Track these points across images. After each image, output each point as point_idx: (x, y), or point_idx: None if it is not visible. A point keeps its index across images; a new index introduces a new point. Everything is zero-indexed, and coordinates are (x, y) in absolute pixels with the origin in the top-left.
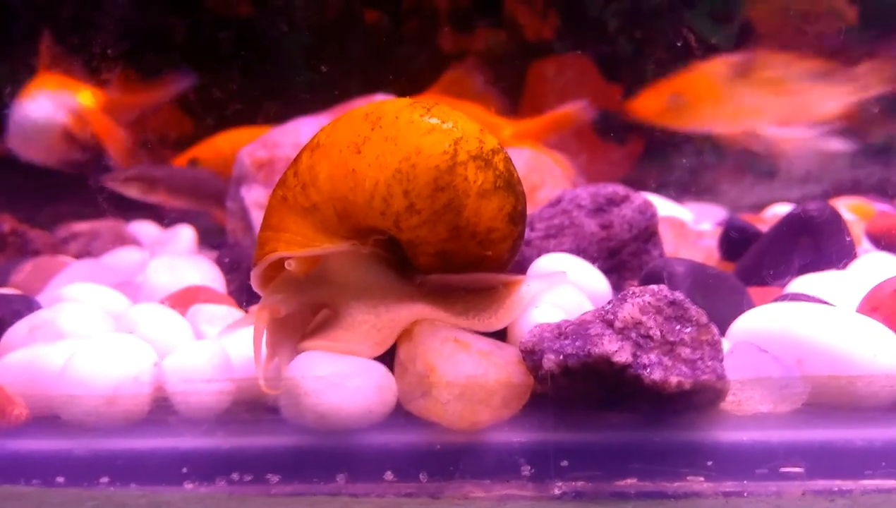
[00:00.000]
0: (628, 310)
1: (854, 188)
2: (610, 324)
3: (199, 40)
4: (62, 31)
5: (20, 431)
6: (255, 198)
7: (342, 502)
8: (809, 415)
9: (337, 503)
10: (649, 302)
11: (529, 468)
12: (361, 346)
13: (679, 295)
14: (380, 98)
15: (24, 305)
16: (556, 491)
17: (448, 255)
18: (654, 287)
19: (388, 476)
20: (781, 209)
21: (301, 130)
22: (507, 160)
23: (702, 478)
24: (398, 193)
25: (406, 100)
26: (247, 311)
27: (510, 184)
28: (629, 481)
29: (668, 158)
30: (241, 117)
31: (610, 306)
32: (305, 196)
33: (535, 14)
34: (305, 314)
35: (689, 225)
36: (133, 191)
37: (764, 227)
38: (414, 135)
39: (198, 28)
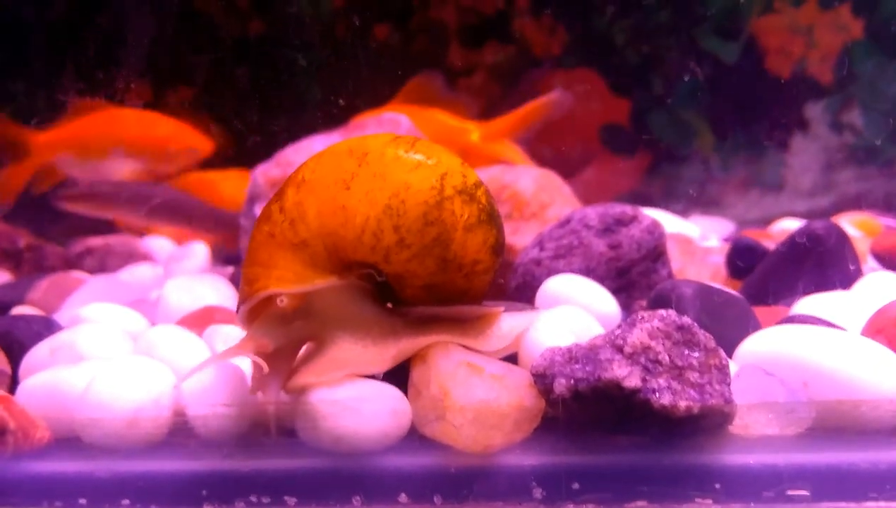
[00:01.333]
0: (637, 336)
1: (860, 201)
2: (619, 349)
3: (209, 55)
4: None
5: (43, 453)
6: None
7: None
8: (815, 439)
9: None
10: (658, 327)
11: (541, 490)
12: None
13: (687, 321)
14: (388, 116)
15: (44, 326)
16: None
17: (435, 288)
18: (662, 312)
19: (403, 498)
20: (788, 224)
21: (314, 148)
22: (488, 193)
23: (710, 501)
24: (388, 228)
25: (388, 136)
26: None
27: (492, 217)
28: (639, 503)
29: (676, 171)
30: (254, 133)
31: (619, 331)
32: (294, 232)
33: (543, 29)
34: (291, 349)
35: (696, 241)
36: (82, 208)
37: (771, 244)
38: (402, 171)
39: (207, 42)
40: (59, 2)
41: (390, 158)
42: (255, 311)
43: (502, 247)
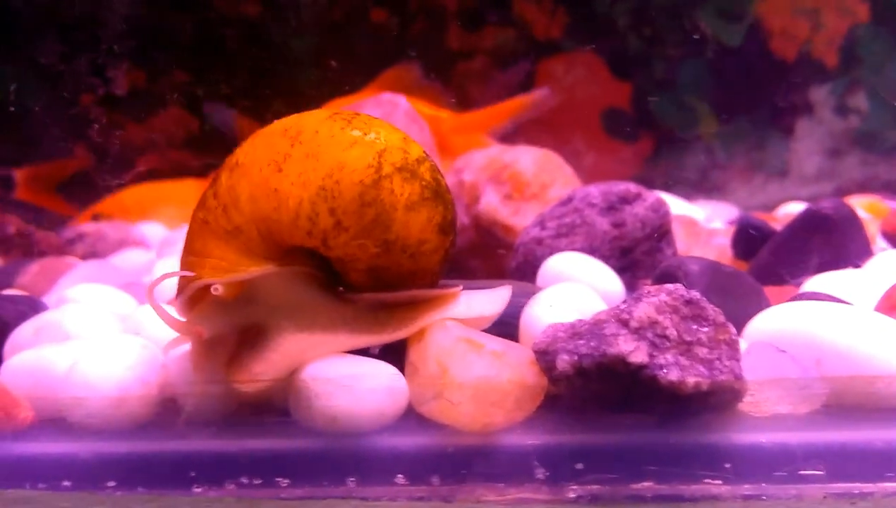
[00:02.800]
0: (644, 310)
1: (865, 187)
2: (625, 324)
3: (206, 39)
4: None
5: (26, 434)
6: None
7: (353, 505)
8: (829, 416)
9: (347, 506)
10: (665, 302)
11: (544, 471)
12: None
13: (695, 294)
14: (388, 97)
15: (30, 306)
16: (572, 495)
17: (380, 271)
18: (670, 286)
19: (400, 479)
20: (794, 207)
21: None
22: (434, 169)
23: (720, 481)
24: (324, 211)
25: (325, 112)
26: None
27: (438, 194)
28: (646, 484)
29: (679, 157)
30: (248, 115)
31: (625, 305)
32: (227, 218)
33: (544, 12)
34: (233, 336)
35: (701, 223)
36: None
37: (778, 226)
38: (336, 149)
39: (205, 26)
40: None
41: (324, 137)
42: (195, 300)
43: (451, 225)
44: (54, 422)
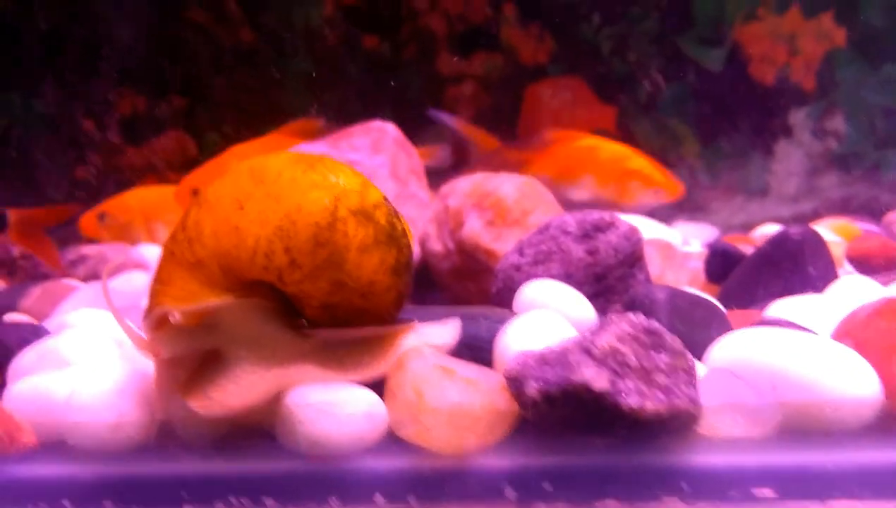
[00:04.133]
0: (606, 339)
1: (844, 206)
2: (588, 352)
3: (200, 65)
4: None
5: (27, 457)
6: None
7: None
8: (781, 440)
9: None
10: (626, 331)
11: (513, 491)
12: (245, 400)
13: (655, 324)
14: (378, 124)
15: (32, 332)
16: None
17: (332, 308)
18: (631, 315)
19: (379, 499)
20: (769, 229)
21: None
22: (391, 213)
23: (677, 499)
24: (279, 250)
25: (292, 155)
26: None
27: (392, 238)
28: (608, 502)
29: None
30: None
31: (589, 334)
32: (191, 251)
33: (531, 38)
34: (192, 360)
35: (676, 247)
36: None
37: (750, 249)
38: (296, 192)
39: (199, 53)
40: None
41: (286, 179)
42: (159, 324)
43: (406, 267)
44: (55, 446)
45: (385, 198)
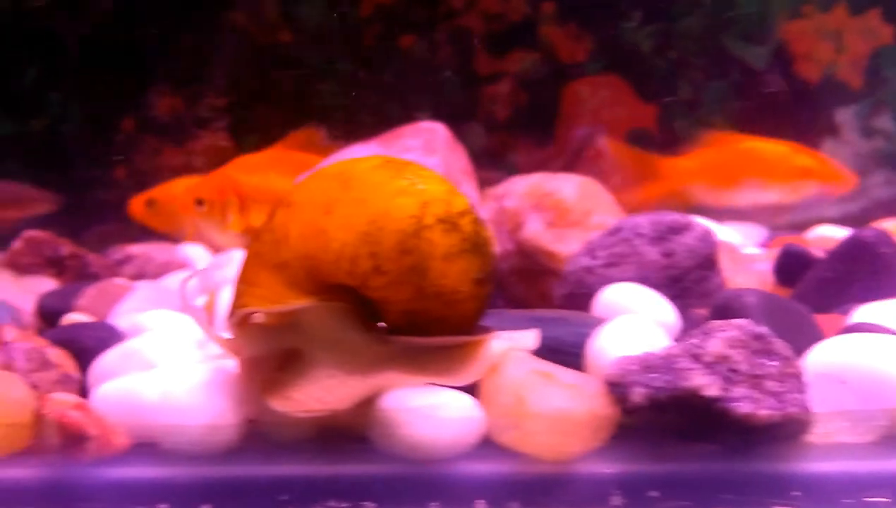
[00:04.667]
0: (715, 345)
1: (892, 206)
2: (698, 359)
3: (240, 66)
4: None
5: (122, 459)
6: None
7: None
8: (892, 447)
9: None
10: (735, 337)
11: (619, 498)
12: (326, 401)
13: (764, 330)
14: (428, 125)
15: (109, 333)
16: None
17: (414, 314)
18: (738, 321)
19: (481, 505)
20: (827, 230)
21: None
22: (476, 222)
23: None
24: (364, 255)
25: (378, 160)
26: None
27: (477, 247)
28: None
29: None
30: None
31: (695, 340)
32: (277, 253)
33: (569, 36)
34: (273, 360)
35: (739, 249)
36: None
37: (814, 250)
38: (382, 198)
39: (239, 54)
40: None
41: (374, 184)
42: (242, 324)
43: (488, 277)
44: (148, 448)
45: (471, 206)
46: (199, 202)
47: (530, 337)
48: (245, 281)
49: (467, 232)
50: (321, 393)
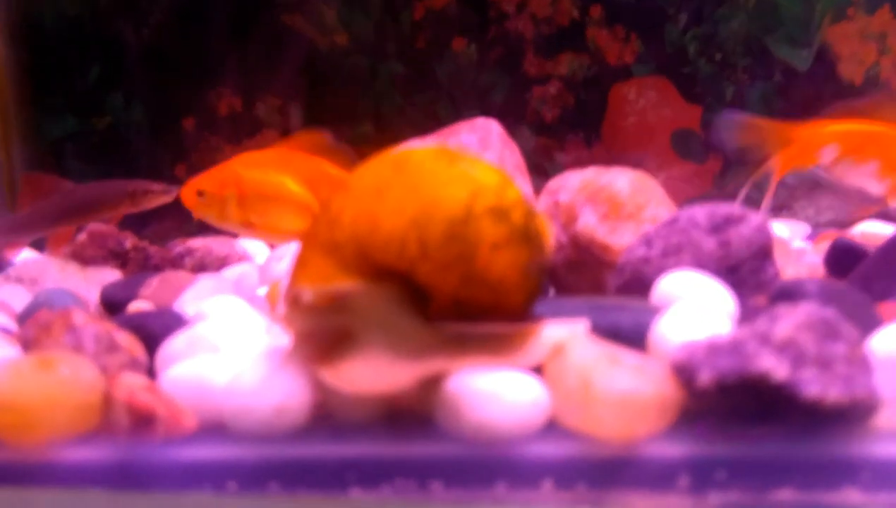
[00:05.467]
0: (783, 329)
1: None
2: (765, 342)
3: (298, 68)
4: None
5: (190, 441)
6: None
7: None
8: None
9: None
10: (804, 320)
11: (686, 479)
12: (373, 382)
13: (831, 313)
14: (482, 121)
15: (174, 320)
16: (715, 501)
17: (462, 302)
18: (805, 305)
19: (547, 485)
20: (874, 226)
21: None
22: (528, 214)
23: (857, 490)
24: (413, 240)
25: (434, 149)
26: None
27: (527, 238)
28: (784, 491)
29: (746, 176)
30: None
31: (762, 324)
32: (330, 234)
33: (617, 39)
34: (324, 338)
35: (788, 242)
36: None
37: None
38: (434, 185)
39: (296, 56)
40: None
41: (427, 172)
42: (294, 303)
43: (538, 267)
44: (215, 429)
45: (524, 199)
46: (200, 193)
47: (581, 327)
48: (299, 262)
49: (517, 223)
50: (370, 373)
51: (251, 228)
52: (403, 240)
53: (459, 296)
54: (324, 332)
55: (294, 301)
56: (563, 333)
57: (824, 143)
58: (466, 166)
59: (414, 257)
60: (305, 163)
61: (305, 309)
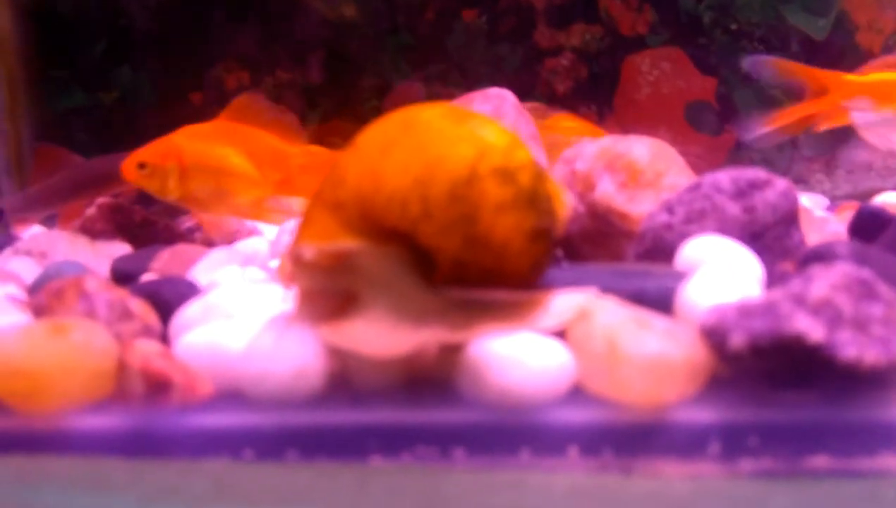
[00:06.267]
0: (818, 289)
1: None
2: (800, 303)
3: (308, 40)
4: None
5: (207, 407)
6: None
7: (529, 475)
8: None
9: (524, 476)
10: (840, 281)
11: (717, 445)
12: (376, 344)
13: (867, 274)
14: (496, 91)
15: (188, 288)
16: (747, 468)
17: (465, 265)
18: (841, 265)
19: (573, 451)
20: (890, 197)
21: None
22: (537, 177)
23: (894, 455)
24: (415, 199)
25: (443, 108)
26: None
27: (533, 202)
28: (821, 458)
29: (761, 150)
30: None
31: (797, 285)
32: (334, 193)
33: (630, 9)
34: (330, 296)
35: (812, 210)
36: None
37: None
38: (440, 144)
39: (305, 29)
40: None
41: (434, 130)
42: (297, 260)
43: (544, 233)
44: (232, 396)
45: (533, 161)
46: (142, 165)
47: (591, 296)
48: (304, 220)
49: (524, 186)
50: (372, 335)
51: (193, 201)
52: (406, 199)
53: (462, 259)
54: (328, 292)
55: (297, 258)
56: (573, 303)
57: (859, 94)
58: (475, 126)
59: (416, 217)
60: (249, 136)
61: (308, 268)
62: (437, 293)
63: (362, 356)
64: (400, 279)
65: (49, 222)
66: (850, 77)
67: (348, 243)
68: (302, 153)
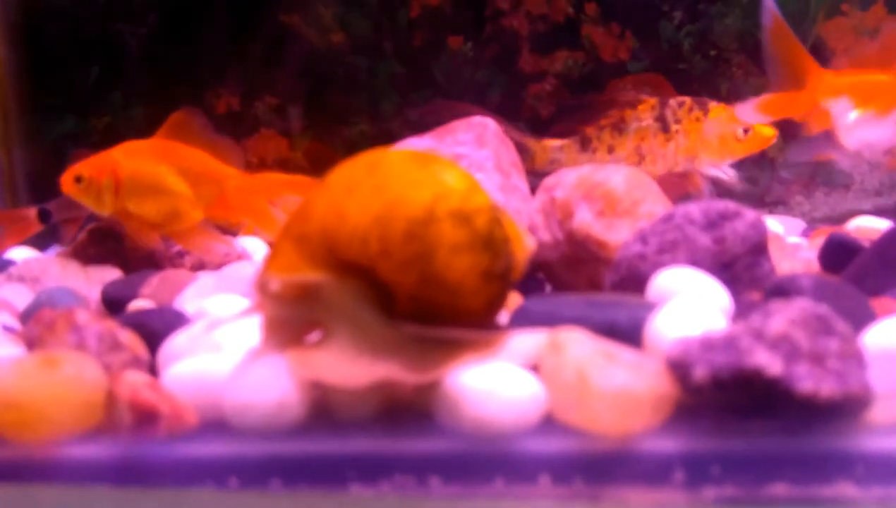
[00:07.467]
0: (777, 324)
1: None
2: (759, 337)
3: (293, 67)
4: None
5: (193, 437)
6: None
7: (503, 503)
8: None
9: (498, 504)
10: (797, 316)
11: (682, 474)
12: (338, 374)
13: (824, 309)
14: (479, 119)
15: (175, 317)
16: (711, 496)
17: (421, 301)
18: (799, 301)
19: (545, 480)
20: (868, 222)
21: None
22: (493, 221)
23: (851, 483)
24: (375, 238)
25: (409, 152)
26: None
27: (489, 245)
28: (781, 486)
29: (741, 173)
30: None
31: (757, 319)
32: (301, 226)
33: (612, 36)
34: (294, 327)
35: (783, 237)
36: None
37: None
38: (400, 186)
39: (293, 55)
40: None
41: (396, 172)
42: (262, 290)
43: (500, 275)
44: (217, 426)
45: (491, 205)
46: (78, 179)
47: (543, 337)
48: (273, 251)
49: (480, 229)
50: (335, 364)
51: (126, 217)
52: (366, 236)
53: (419, 296)
54: (293, 321)
55: (263, 288)
56: (529, 343)
57: (837, 94)
58: (436, 169)
59: (375, 254)
60: (187, 155)
61: (274, 298)
62: (396, 327)
63: (326, 385)
64: (360, 312)
65: (44, 242)
66: (832, 74)
67: (312, 275)
68: (237, 176)
